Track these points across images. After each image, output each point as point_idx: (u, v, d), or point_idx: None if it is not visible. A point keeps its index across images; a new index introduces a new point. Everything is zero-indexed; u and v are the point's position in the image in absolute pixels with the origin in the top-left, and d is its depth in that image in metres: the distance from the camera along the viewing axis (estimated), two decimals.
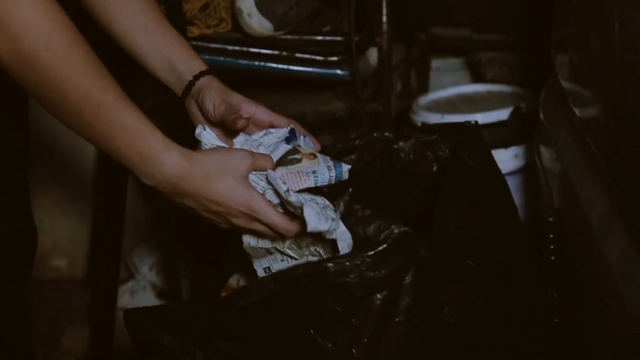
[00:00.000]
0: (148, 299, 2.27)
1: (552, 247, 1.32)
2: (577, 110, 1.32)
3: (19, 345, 1.22)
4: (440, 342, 1.11)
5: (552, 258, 1.31)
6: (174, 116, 2.09)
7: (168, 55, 1.28)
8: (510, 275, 1.19)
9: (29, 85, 1.06)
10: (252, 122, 1.26)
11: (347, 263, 1.08)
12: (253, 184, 1.16)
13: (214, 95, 1.26)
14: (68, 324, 2.24)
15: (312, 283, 1.09)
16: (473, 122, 1.30)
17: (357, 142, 1.38)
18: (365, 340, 1.09)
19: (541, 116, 1.55)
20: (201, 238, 2.02)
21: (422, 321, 1.10)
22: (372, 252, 1.09)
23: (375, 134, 1.37)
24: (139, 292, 2.28)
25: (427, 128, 1.36)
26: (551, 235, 1.31)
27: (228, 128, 1.24)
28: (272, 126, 1.27)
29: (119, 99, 1.08)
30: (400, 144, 1.36)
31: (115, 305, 2.07)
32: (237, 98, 1.27)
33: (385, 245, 1.09)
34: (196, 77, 1.27)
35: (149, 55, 1.28)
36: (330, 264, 1.09)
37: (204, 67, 1.29)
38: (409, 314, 1.09)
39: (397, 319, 1.09)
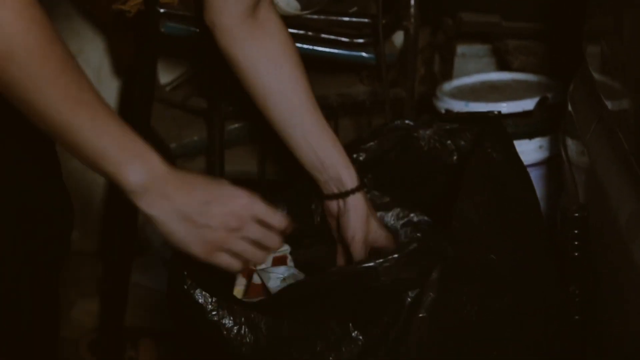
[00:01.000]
0: (160, 274, 2.26)
1: (575, 243, 1.29)
2: (608, 104, 1.30)
3: (49, 314, 1.23)
4: (461, 338, 1.11)
5: (575, 254, 1.29)
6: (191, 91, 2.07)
7: (321, 157, 1.32)
8: (530, 271, 1.18)
9: (6, 84, 1.02)
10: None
11: (379, 267, 1.09)
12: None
13: (357, 227, 1.31)
14: (78, 295, 2.23)
15: (347, 286, 1.10)
16: (496, 113, 1.29)
17: (377, 130, 1.38)
18: (393, 336, 1.09)
19: (569, 108, 1.52)
20: None
21: (445, 317, 1.10)
22: (402, 254, 1.10)
23: (396, 122, 1.36)
24: (151, 267, 2.27)
25: (449, 117, 1.36)
26: (575, 231, 1.29)
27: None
28: None
29: (97, 97, 1.06)
30: (421, 132, 1.36)
31: (128, 279, 2.06)
32: (373, 227, 1.32)
33: (415, 245, 1.10)
34: (346, 193, 1.32)
35: (302, 150, 1.32)
36: (363, 268, 1.10)
37: (354, 180, 1.32)
38: (432, 310, 1.09)
39: (421, 315, 1.08)
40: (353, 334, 1.09)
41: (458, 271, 1.11)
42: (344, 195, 1.31)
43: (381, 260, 1.09)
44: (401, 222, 1.40)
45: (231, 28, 1.30)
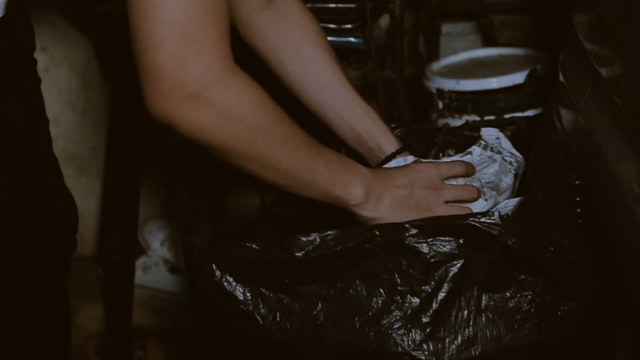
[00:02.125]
0: (161, 274, 2.26)
1: (578, 210, 1.30)
2: (602, 70, 1.30)
3: (59, 319, 1.23)
4: (512, 326, 1.10)
5: (579, 221, 1.30)
6: None
7: (357, 129, 1.33)
8: (584, 274, 1.17)
9: (252, 155, 1.09)
10: None
11: (428, 228, 1.08)
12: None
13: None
14: (80, 300, 2.23)
15: (391, 243, 1.08)
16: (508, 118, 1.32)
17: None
18: (436, 306, 1.08)
19: (561, 78, 1.53)
20: (215, 212, 2.00)
21: (497, 303, 1.09)
22: (455, 221, 1.10)
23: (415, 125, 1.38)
24: (152, 268, 2.27)
25: (466, 126, 1.37)
26: (578, 199, 1.30)
27: None
28: None
29: (305, 132, 1.15)
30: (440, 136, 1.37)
31: (132, 281, 2.06)
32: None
33: (469, 220, 1.10)
34: (388, 159, 1.32)
35: (338, 126, 1.34)
36: (410, 226, 1.10)
37: (394, 144, 1.33)
38: (481, 291, 1.08)
39: (468, 294, 1.08)
40: (392, 306, 1.09)
41: (517, 261, 1.10)
42: (389, 159, 1.32)
43: (430, 223, 1.10)
44: None
45: (249, 22, 1.33)
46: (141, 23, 1.02)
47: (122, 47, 1.99)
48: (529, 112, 1.83)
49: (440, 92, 1.87)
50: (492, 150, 1.28)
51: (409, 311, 1.09)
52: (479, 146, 1.29)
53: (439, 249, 1.09)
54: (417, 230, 1.09)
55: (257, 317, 1.11)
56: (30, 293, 1.17)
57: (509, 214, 1.12)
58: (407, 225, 1.09)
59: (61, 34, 2.27)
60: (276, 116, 1.10)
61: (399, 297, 1.09)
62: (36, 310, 1.18)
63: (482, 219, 1.10)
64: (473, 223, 1.10)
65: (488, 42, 2.08)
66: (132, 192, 2.06)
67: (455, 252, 1.09)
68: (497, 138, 1.30)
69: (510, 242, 1.10)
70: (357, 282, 1.10)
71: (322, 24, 1.77)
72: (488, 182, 1.26)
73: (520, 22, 1.98)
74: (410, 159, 1.30)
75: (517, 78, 1.84)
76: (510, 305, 1.10)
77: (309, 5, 1.77)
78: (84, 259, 2.36)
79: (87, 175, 2.38)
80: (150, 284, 2.25)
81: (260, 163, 1.10)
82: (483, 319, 1.09)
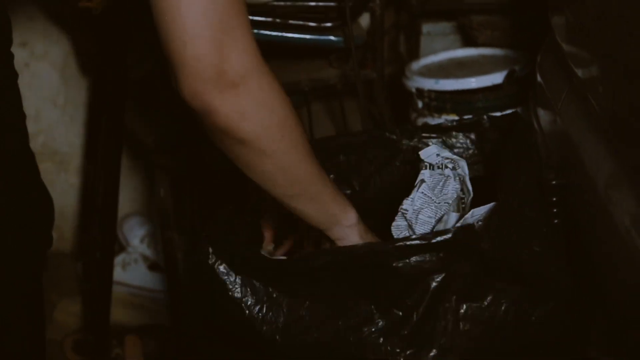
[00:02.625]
0: (140, 271, 2.26)
1: (554, 210, 1.31)
2: (578, 71, 1.32)
3: (34, 315, 1.23)
4: (488, 334, 1.11)
5: (555, 221, 1.31)
6: (164, 84, 2.07)
7: None
8: (559, 277, 1.19)
9: (273, 153, 1.11)
10: None
11: (408, 248, 1.10)
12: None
13: None
14: (59, 297, 2.22)
15: (375, 264, 1.10)
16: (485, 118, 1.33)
17: (358, 139, 1.39)
18: (415, 320, 1.09)
19: (538, 78, 1.54)
20: (196, 209, 2.00)
21: (475, 312, 1.11)
22: (435, 240, 1.11)
23: (376, 132, 1.39)
24: (131, 265, 2.27)
25: (429, 128, 1.38)
26: (554, 199, 1.31)
27: None
28: None
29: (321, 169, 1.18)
30: (404, 142, 1.37)
31: (111, 278, 2.06)
32: None
33: (449, 236, 1.10)
34: None
35: None
36: (393, 247, 1.11)
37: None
38: (459, 301, 1.10)
39: (447, 305, 1.09)
40: (375, 316, 1.11)
41: (493, 268, 1.12)
42: None
43: (412, 241, 1.11)
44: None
45: None
46: (174, 19, 1.03)
47: (103, 43, 1.98)
48: (507, 112, 1.84)
49: (420, 91, 1.88)
50: (439, 167, 1.30)
51: (391, 323, 1.11)
52: (426, 169, 1.31)
53: (420, 265, 1.11)
54: (399, 251, 1.11)
55: (244, 305, 1.12)
56: (3, 289, 1.17)
57: (482, 222, 1.14)
58: (391, 246, 1.11)
59: (42, 30, 2.27)
60: (295, 115, 1.12)
61: (382, 309, 1.11)
62: (10, 307, 1.18)
63: (459, 232, 1.12)
64: (450, 237, 1.11)
65: (468, 42, 2.09)
66: (111, 188, 2.06)
67: (436, 266, 1.11)
68: (437, 154, 1.31)
69: (486, 251, 1.11)
70: (344, 290, 1.12)
71: (302, 22, 1.78)
72: (455, 199, 1.27)
73: (500, 22, 1.99)
74: None
75: (496, 78, 1.85)
76: (487, 314, 1.11)
77: (289, 3, 1.78)
78: (64, 255, 2.36)
79: (67, 171, 2.38)
80: (129, 280, 2.25)
81: (280, 162, 1.11)
82: (461, 328, 1.11)
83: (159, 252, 2.23)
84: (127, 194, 2.33)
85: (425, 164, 1.30)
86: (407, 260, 1.10)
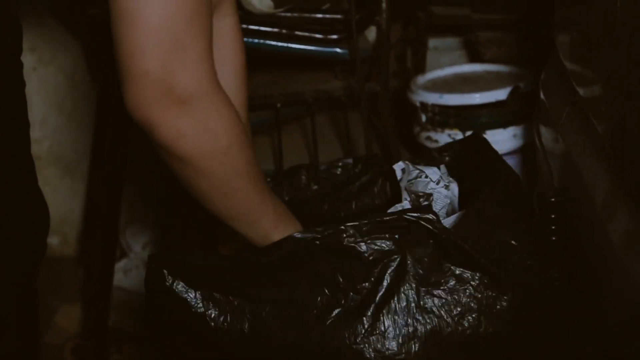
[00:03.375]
0: (141, 277, 2.26)
1: (553, 227, 1.32)
2: (580, 90, 1.32)
3: (26, 321, 1.23)
4: (448, 322, 1.12)
5: (554, 238, 1.31)
6: None
7: None
8: (526, 266, 1.20)
9: (211, 177, 1.09)
10: None
11: (364, 227, 1.10)
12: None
13: None
14: (60, 301, 2.23)
15: (331, 245, 1.11)
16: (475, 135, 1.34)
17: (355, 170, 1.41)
18: (376, 302, 1.10)
19: (542, 96, 1.55)
20: (197, 215, 2.01)
21: (437, 296, 1.11)
22: (390, 218, 1.11)
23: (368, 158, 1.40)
24: (132, 271, 2.27)
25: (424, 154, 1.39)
26: (553, 216, 1.31)
27: None
28: None
29: (267, 192, 1.17)
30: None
31: (111, 284, 2.07)
32: None
33: (406, 215, 1.11)
34: None
35: None
36: (347, 227, 1.11)
37: None
38: (420, 284, 1.10)
39: (407, 287, 1.10)
40: (335, 303, 1.11)
41: (458, 257, 1.12)
42: None
43: (368, 221, 1.11)
44: None
45: None
46: (127, 29, 1.02)
47: (110, 50, 1.99)
48: (511, 129, 1.85)
49: (424, 105, 1.89)
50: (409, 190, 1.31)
51: (351, 308, 1.11)
52: (405, 199, 1.32)
53: (376, 247, 1.11)
54: (354, 230, 1.12)
55: (208, 319, 1.12)
56: None
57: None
58: (343, 227, 1.12)
59: (50, 35, 2.28)
60: (245, 142, 1.11)
61: (341, 295, 1.12)
62: (2, 313, 1.19)
63: (416, 214, 1.13)
64: (408, 218, 1.12)
65: (474, 57, 2.10)
66: (115, 194, 2.07)
67: (393, 248, 1.11)
68: (402, 169, 1.32)
69: (444, 236, 1.12)
70: (302, 284, 1.12)
71: (308, 34, 1.79)
72: (445, 205, 1.28)
73: (506, 39, 2.00)
74: None
75: (500, 94, 1.86)
76: (449, 298, 1.12)
77: (295, 14, 1.79)
78: (67, 260, 2.37)
79: (72, 177, 2.39)
80: (130, 286, 2.26)
81: (218, 186, 1.10)
82: (423, 312, 1.12)
83: None
84: (132, 201, 2.34)
85: (405, 197, 1.30)
86: (362, 242, 1.11)
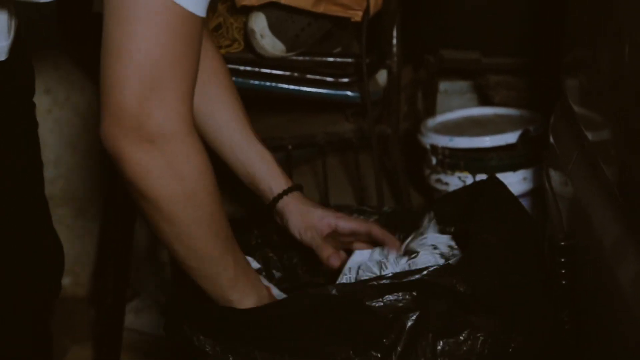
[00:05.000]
0: (153, 317, 2.26)
1: (563, 271, 1.32)
2: (589, 134, 1.33)
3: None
4: None
5: (563, 282, 1.32)
6: None
7: (251, 171, 1.33)
8: (536, 308, 1.20)
9: (171, 222, 1.09)
10: (336, 234, 1.33)
11: (381, 286, 1.11)
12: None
13: (296, 221, 1.32)
14: (71, 342, 2.23)
15: (348, 304, 1.11)
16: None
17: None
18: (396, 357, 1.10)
19: (551, 140, 1.56)
20: None
21: (452, 348, 1.12)
22: (407, 280, 1.12)
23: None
24: (144, 311, 2.28)
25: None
26: (562, 259, 1.31)
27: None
28: (354, 232, 1.33)
29: (233, 238, 1.15)
30: None
31: (122, 324, 2.07)
32: (317, 216, 1.32)
33: (420, 275, 1.12)
34: (275, 200, 1.33)
35: (234, 166, 1.34)
36: (365, 287, 1.12)
37: (284, 186, 1.33)
38: (436, 338, 1.11)
39: (424, 342, 1.10)
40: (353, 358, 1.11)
41: (471, 305, 1.13)
42: (276, 200, 1.32)
43: (384, 281, 1.12)
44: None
45: None
46: (114, 61, 1.04)
47: None
48: (520, 172, 1.85)
49: (434, 148, 1.90)
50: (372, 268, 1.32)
51: None
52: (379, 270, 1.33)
53: (394, 305, 1.11)
54: (372, 290, 1.12)
55: None
56: (11, 335, 1.18)
57: (455, 261, 1.15)
58: (362, 287, 1.12)
59: (65, 77, 2.30)
60: (212, 193, 1.10)
61: (360, 352, 1.11)
62: (18, 353, 1.19)
63: (431, 271, 1.13)
64: (423, 277, 1.13)
65: (484, 101, 2.11)
66: (127, 234, 2.07)
67: (410, 305, 1.12)
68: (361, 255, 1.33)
69: (461, 289, 1.12)
70: (322, 336, 1.12)
71: (319, 77, 1.81)
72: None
73: (515, 83, 2.02)
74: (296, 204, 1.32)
75: (510, 138, 1.87)
76: (465, 348, 1.12)
77: (307, 58, 1.81)
78: (78, 300, 2.37)
79: (84, 217, 2.40)
80: (141, 327, 2.26)
81: (177, 233, 1.09)
82: None
83: None
84: (143, 241, 2.34)
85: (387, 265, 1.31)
86: (381, 300, 1.11)
